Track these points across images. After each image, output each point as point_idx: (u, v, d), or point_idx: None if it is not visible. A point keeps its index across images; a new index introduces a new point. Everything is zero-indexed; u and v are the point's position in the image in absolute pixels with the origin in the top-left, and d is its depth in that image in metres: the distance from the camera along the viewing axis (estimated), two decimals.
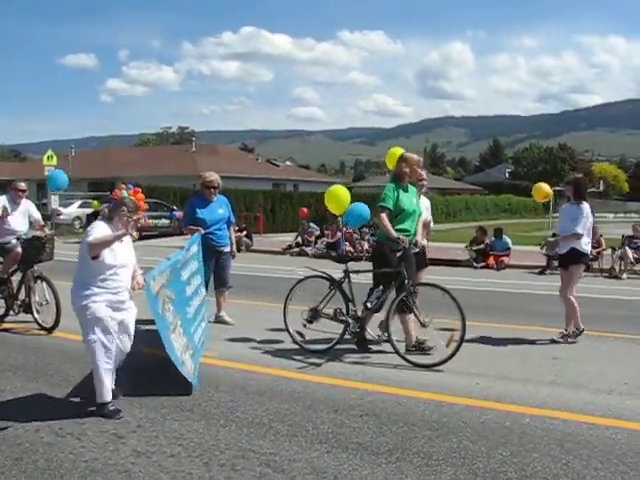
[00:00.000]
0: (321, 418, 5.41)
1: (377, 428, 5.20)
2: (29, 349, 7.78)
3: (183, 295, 6.67)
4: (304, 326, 7.78)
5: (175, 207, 30.86)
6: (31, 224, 9.72)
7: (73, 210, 34.32)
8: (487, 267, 18.45)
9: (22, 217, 9.52)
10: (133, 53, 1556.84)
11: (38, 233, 9.47)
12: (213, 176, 9.21)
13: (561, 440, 4.95)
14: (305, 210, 26.80)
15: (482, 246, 19.08)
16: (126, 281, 5.65)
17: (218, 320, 9.36)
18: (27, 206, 9.65)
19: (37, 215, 9.81)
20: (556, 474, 4.35)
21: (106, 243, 5.41)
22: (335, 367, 7.07)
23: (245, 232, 24.45)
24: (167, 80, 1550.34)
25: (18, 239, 9.29)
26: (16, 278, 9.26)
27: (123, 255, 5.63)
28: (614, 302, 12.51)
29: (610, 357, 7.69)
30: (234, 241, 9.65)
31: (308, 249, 22.96)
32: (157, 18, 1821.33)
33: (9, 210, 9.26)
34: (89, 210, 30.11)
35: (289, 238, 25.26)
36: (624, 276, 16.65)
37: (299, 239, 24.03)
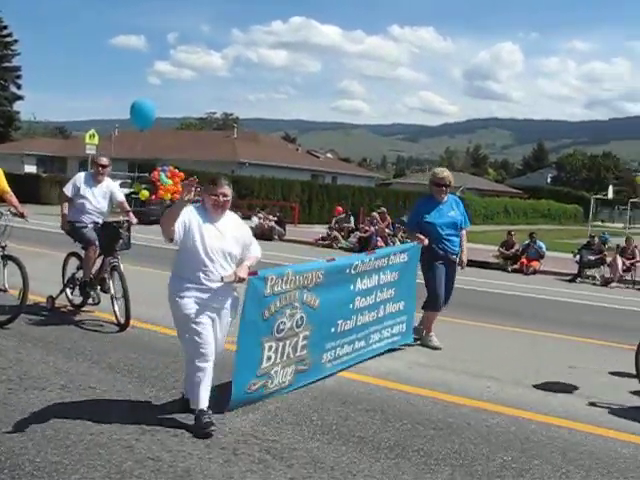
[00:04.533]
0: (327, 410, 5.45)
1: (381, 424, 5.23)
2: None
3: (346, 306, 6.28)
4: None
5: None
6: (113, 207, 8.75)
7: None
8: (519, 271, 18.33)
9: (102, 197, 8.40)
10: (182, 37, 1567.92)
11: (119, 218, 8.39)
12: (445, 172, 7.97)
13: (564, 449, 4.93)
14: (340, 209, 26.90)
15: (512, 250, 18.97)
16: (223, 273, 4.93)
17: (423, 343, 7.95)
18: (109, 185, 8.52)
19: (120, 197, 8.73)
20: None
21: (170, 216, 4.76)
22: None
23: (277, 220, 24.58)
24: (214, 65, 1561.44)
25: (96, 224, 8.29)
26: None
27: (217, 243, 4.92)
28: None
29: (628, 370, 7.60)
30: (465, 249, 8.07)
31: (341, 241, 22.99)
32: (207, 4, 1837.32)
33: (68, 194, 8.28)
34: (126, 190, 30.47)
35: (322, 230, 25.32)
36: None
37: (334, 232, 24.05)
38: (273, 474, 4.19)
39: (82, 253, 8.36)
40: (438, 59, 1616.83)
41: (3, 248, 7.57)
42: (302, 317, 5.61)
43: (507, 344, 8.51)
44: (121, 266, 7.90)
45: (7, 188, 7.96)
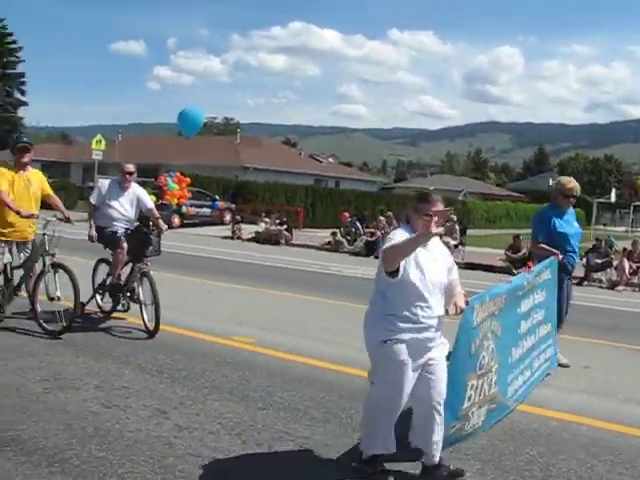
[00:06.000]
0: (355, 408, 5.58)
1: (406, 423, 5.37)
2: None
3: (515, 331, 5.62)
4: None
5: (217, 197, 31.32)
6: (141, 213, 8.58)
7: None
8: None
9: (129, 204, 8.33)
10: (182, 42, 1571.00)
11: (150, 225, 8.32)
12: (572, 183, 7.46)
13: (587, 445, 5.09)
14: (347, 215, 27.16)
15: (520, 254, 19.14)
16: (438, 308, 4.23)
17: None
18: (136, 192, 8.43)
19: (149, 203, 8.59)
20: (580, 476, 4.50)
21: (404, 249, 3.97)
22: (368, 360, 7.23)
23: (285, 226, 24.77)
24: (214, 70, 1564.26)
25: (125, 230, 8.24)
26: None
27: (434, 272, 4.19)
28: None
29: None
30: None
31: (345, 246, 23.15)
32: (207, 8, 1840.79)
33: (94, 199, 8.24)
34: None
35: (327, 234, 25.53)
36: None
37: (338, 235, 24.20)
38: (310, 469, 4.36)
39: (111, 259, 8.32)
40: (438, 63, 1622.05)
41: (52, 256, 7.57)
42: (492, 349, 4.95)
43: None
44: (151, 272, 7.90)
45: (51, 191, 8.11)
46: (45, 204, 8.07)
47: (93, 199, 8.34)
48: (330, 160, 65.78)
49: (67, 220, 7.77)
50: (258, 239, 24.48)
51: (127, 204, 8.32)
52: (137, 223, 8.51)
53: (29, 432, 4.63)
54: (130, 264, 8.15)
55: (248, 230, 25.75)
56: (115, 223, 8.22)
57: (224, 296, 11.32)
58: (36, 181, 7.92)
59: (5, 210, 7.52)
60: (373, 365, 4.34)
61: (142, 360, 6.66)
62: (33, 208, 7.78)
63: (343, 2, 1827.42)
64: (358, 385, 6.26)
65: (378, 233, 22.25)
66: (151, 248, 7.94)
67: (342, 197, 39.38)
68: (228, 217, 30.23)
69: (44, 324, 7.47)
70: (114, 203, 8.24)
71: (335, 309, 10.67)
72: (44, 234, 7.58)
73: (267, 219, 25.54)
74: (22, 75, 71.89)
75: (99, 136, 31.32)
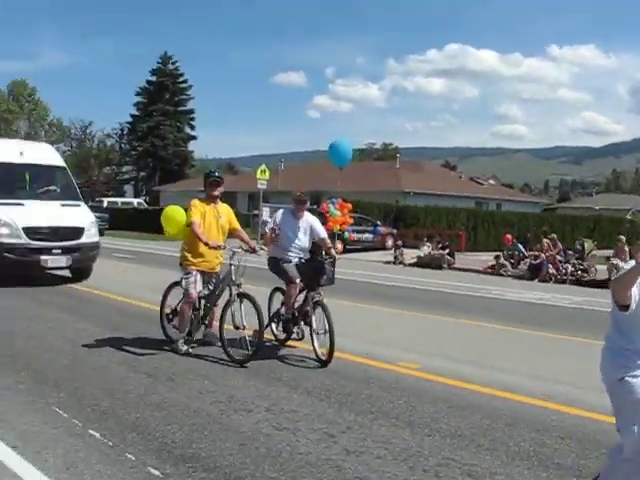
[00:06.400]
0: (522, 436, 5.51)
1: (579, 451, 5.22)
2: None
3: None
4: None
5: (379, 222, 31.61)
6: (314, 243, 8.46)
7: None
8: None
9: (303, 234, 8.31)
10: (340, 71, 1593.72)
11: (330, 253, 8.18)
12: None
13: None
14: (509, 237, 26.65)
15: None
16: None
17: None
18: (309, 221, 8.40)
19: (322, 233, 8.46)
20: None
21: (629, 280, 3.64)
22: (537, 387, 7.10)
23: (448, 250, 24.62)
24: (372, 96, 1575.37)
25: (300, 259, 8.27)
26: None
27: None
28: None
29: None
30: None
31: (509, 269, 22.64)
32: (362, 37, 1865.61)
33: (277, 228, 8.15)
34: None
35: (490, 257, 25.08)
36: None
37: (501, 259, 23.74)
38: None
39: (285, 291, 8.35)
40: (601, 77, 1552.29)
41: (238, 286, 7.82)
42: None
43: None
44: (324, 300, 7.91)
45: (237, 225, 8.51)
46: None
47: (269, 229, 8.29)
48: (491, 182, 64.76)
49: (252, 251, 8.03)
50: (420, 263, 24.45)
51: (301, 233, 8.30)
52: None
53: (207, 450, 4.91)
54: (304, 292, 8.18)
55: (410, 255, 25.79)
56: (289, 253, 8.23)
57: (388, 321, 11.42)
58: (225, 214, 8.31)
59: (196, 241, 7.90)
60: (615, 408, 3.93)
61: (310, 385, 6.86)
62: (220, 239, 8.11)
63: (499, 21, 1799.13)
64: (526, 413, 6.18)
65: (542, 256, 21.61)
66: (325, 277, 7.95)
67: (504, 219, 38.67)
68: (390, 242, 30.43)
69: (230, 352, 7.73)
70: (289, 232, 8.23)
71: (499, 334, 10.49)
72: (231, 264, 7.90)
73: (429, 243, 25.50)
74: (192, 111, 76.47)
75: (263, 166, 32.48)
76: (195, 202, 8.09)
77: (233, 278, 7.84)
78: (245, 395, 6.40)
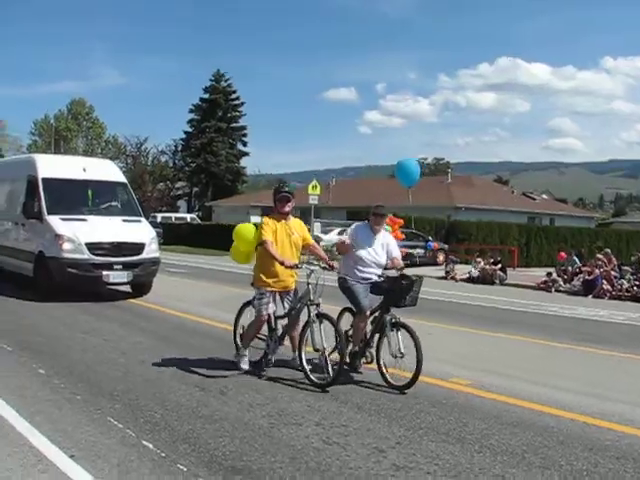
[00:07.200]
0: (575, 455, 5.42)
1: (635, 473, 5.12)
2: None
3: None
4: None
5: (431, 237, 31.45)
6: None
7: (333, 237, 36.01)
8: None
9: (380, 249, 7.92)
10: (390, 86, 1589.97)
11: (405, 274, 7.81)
12: None
13: None
14: (563, 254, 26.30)
15: None
16: None
17: None
18: (385, 237, 8.04)
19: (396, 251, 8.06)
20: None
21: None
22: (590, 405, 6.98)
23: (500, 265, 24.37)
24: (423, 111, 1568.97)
25: (378, 277, 7.85)
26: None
27: None
28: None
29: None
30: None
31: (561, 285, 22.29)
32: (413, 52, 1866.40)
33: (348, 242, 7.81)
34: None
35: (542, 273, 24.72)
36: None
37: (554, 274, 23.39)
38: None
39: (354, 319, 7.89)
40: None
41: (317, 306, 7.47)
42: None
43: None
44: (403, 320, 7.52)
45: (311, 240, 8.17)
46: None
47: (346, 237, 7.98)
48: (544, 197, 63.99)
49: (330, 268, 7.68)
50: (472, 279, 24.24)
51: (379, 248, 7.89)
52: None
53: (257, 463, 4.96)
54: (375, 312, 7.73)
55: (462, 270, 25.60)
56: (364, 270, 7.81)
57: (441, 337, 11.33)
58: (297, 230, 7.97)
59: (270, 260, 7.59)
60: None
61: (360, 399, 6.86)
62: (294, 257, 7.81)
63: (549, 35, 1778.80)
64: (579, 431, 6.09)
65: (596, 271, 21.22)
66: (409, 297, 7.55)
67: (557, 234, 38.19)
68: (442, 257, 30.27)
69: (311, 375, 7.40)
70: (366, 247, 7.83)
71: (551, 351, 10.34)
72: (308, 283, 7.53)
73: (480, 259, 25.26)
74: (244, 128, 77.38)
75: (315, 181, 32.54)
76: (266, 220, 7.77)
77: (311, 298, 7.50)
78: (295, 409, 6.43)
